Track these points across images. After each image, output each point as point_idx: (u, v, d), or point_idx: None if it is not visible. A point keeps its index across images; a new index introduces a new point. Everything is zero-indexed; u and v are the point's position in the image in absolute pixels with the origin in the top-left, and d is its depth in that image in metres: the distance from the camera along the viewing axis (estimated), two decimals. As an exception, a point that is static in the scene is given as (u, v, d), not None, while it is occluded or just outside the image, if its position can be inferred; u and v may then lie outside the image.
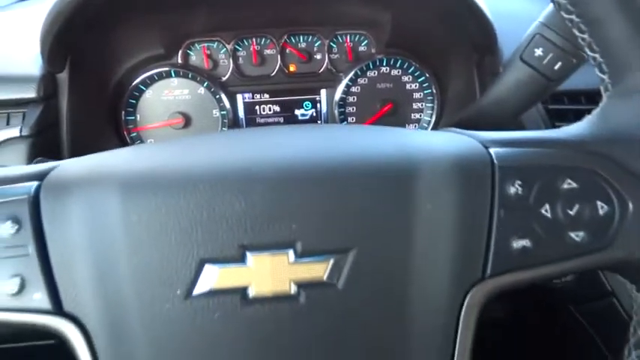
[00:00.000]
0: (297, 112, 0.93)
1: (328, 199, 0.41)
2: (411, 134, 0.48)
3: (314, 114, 0.93)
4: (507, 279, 0.41)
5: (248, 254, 0.40)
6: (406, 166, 0.42)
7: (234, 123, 0.92)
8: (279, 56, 0.90)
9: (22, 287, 0.40)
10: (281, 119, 0.93)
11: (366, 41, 0.91)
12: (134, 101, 0.89)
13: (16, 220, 0.40)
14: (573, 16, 0.46)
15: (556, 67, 0.61)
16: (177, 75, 0.89)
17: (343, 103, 0.92)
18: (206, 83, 0.90)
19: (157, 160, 0.43)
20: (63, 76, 0.78)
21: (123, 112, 0.88)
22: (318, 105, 0.93)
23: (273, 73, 0.91)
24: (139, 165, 0.43)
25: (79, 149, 0.79)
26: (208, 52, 0.90)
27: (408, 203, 0.41)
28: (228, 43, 0.89)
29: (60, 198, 0.41)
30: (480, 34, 0.79)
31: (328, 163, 0.42)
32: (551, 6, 0.61)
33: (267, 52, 0.91)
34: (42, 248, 0.40)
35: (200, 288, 0.40)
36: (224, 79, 0.90)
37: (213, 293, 0.40)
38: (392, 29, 0.88)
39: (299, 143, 0.45)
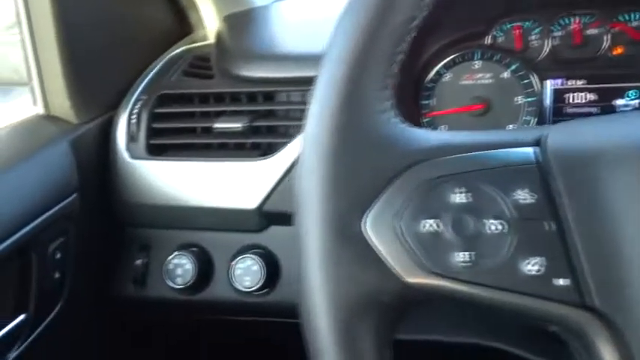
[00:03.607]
0: (617, 102, 0.79)
1: None
2: None
3: (638, 105, 0.79)
4: None
5: None
6: None
7: (539, 112, 0.81)
8: (606, 36, 0.77)
9: (543, 269, 0.36)
10: (595, 109, 0.81)
11: None
12: (432, 85, 0.82)
13: (532, 190, 0.37)
14: None
15: None
16: (481, 57, 0.80)
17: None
18: (514, 66, 0.80)
19: None
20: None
21: (421, 96, 0.82)
22: (647, 94, 0.78)
23: (594, 56, 0.78)
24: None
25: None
26: (520, 31, 0.79)
27: None
28: (545, 22, 0.78)
29: (576, 169, 0.37)
30: None
31: None
32: None
33: (590, 31, 0.78)
34: (560, 225, 0.36)
35: None
36: (536, 61, 0.79)
37: None
38: None
39: None
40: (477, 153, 0.38)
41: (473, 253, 0.36)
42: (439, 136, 0.41)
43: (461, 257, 0.36)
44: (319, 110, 0.40)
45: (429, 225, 0.37)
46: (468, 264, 0.36)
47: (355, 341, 0.38)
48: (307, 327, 0.39)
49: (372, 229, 0.38)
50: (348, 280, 0.38)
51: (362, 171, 0.39)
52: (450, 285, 0.37)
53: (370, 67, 0.39)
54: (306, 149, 0.41)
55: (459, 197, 0.37)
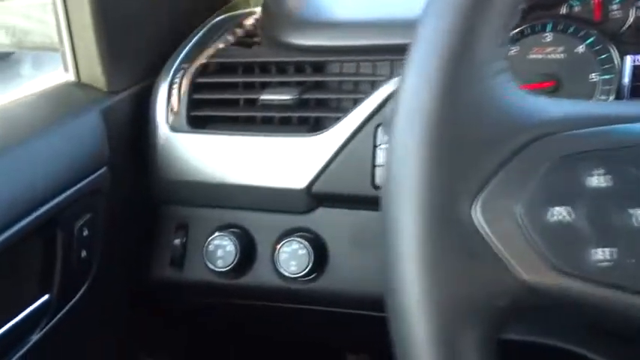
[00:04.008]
0: None
1: None
2: None
3: None
4: None
5: None
6: None
7: (616, 90, 0.74)
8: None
9: None
10: (678, 89, 0.73)
11: None
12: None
13: None
14: None
15: None
16: (554, 29, 0.73)
17: None
18: (591, 39, 0.72)
19: None
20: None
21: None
22: None
23: (683, 29, 0.71)
24: None
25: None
26: (601, 0, 0.72)
27: None
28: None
29: None
30: None
31: None
32: None
33: (679, 1, 0.70)
34: None
35: None
36: (616, 34, 0.72)
37: None
38: None
39: None
40: (615, 126, 0.32)
41: (614, 250, 0.30)
42: (561, 105, 0.35)
43: (599, 255, 0.30)
44: (419, 70, 0.34)
45: (558, 213, 0.31)
46: (609, 263, 0.30)
47: (458, 354, 0.32)
48: (397, 333, 0.33)
49: (485, 215, 0.32)
50: (453, 277, 0.32)
51: (472, 145, 0.32)
52: (583, 287, 0.30)
53: (489, 15, 0.32)
54: (400, 122, 0.34)
55: (596, 180, 0.31)
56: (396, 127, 0.34)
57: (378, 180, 0.67)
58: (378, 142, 0.67)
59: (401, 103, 0.35)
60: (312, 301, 0.74)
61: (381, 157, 0.66)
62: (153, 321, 0.88)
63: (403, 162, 0.33)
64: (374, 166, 0.67)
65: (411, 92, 0.34)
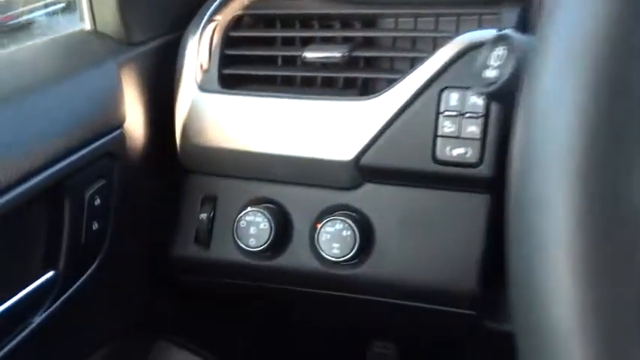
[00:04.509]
0: None
1: None
2: None
3: None
4: None
5: None
6: None
7: None
8: None
9: None
10: None
11: None
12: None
13: None
14: None
15: None
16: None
17: None
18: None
19: None
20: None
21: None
22: None
23: None
24: None
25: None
26: None
27: None
28: None
29: None
30: None
31: None
32: None
33: None
34: None
35: None
36: None
37: None
38: None
39: None
40: None
41: None
42: None
43: None
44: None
45: None
46: None
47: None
48: (537, 347, 0.24)
49: None
50: (625, 282, 0.22)
51: None
52: None
53: None
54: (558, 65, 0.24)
55: None
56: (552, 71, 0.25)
57: (439, 153, 0.58)
58: (442, 109, 0.57)
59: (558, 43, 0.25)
60: (353, 288, 0.66)
61: (445, 125, 0.57)
62: (173, 303, 0.80)
63: (549, 127, 0.24)
64: (436, 136, 0.58)
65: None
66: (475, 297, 0.61)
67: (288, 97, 0.64)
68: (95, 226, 0.58)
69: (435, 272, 0.62)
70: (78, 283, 0.58)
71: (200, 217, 0.67)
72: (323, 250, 0.62)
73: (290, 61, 0.67)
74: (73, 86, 0.58)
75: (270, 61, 0.67)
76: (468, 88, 0.56)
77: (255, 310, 0.89)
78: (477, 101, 0.56)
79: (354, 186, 0.64)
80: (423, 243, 0.62)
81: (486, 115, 0.56)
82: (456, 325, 0.68)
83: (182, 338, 0.79)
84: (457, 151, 0.57)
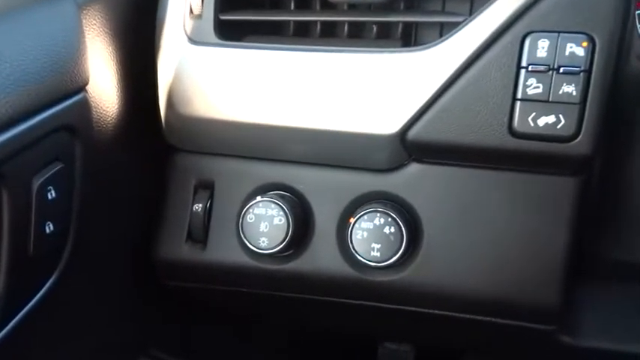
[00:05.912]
0: None
1: None
2: None
3: None
4: None
5: None
6: None
7: None
8: None
9: None
10: None
11: None
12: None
13: None
14: None
15: None
16: None
17: None
18: None
19: None
20: None
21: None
22: None
23: None
24: None
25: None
26: None
27: None
28: None
29: None
30: None
31: None
32: None
33: None
34: None
35: None
36: None
37: None
38: None
39: None
40: None
41: None
42: None
43: None
44: None
45: None
46: None
47: None
48: None
49: None
50: None
51: None
52: None
53: None
54: None
55: None
56: None
57: (518, 123, 0.44)
58: (524, 62, 0.43)
59: None
60: (394, 298, 0.52)
61: (530, 85, 0.43)
62: (159, 315, 0.67)
63: None
64: (515, 99, 0.44)
65: None
66: (555, 310, 0.49)
67: (306, 51, 0.50)
68: (50, 227, 0.45)
69: (502, 279, 0.51)
70: (29, 306, 0.44)
71: (193, 209, 0.55)
72: (358, 253, 0.49)
73: (306, 3, 0.53)
74: (15, 31, 0.44)
75: (281, 3, 0.54)
76: (563, 32, 0.42)
77: (257, 321, 0.76)
78: (575, 50, 0.42)
79: (395, 167, 0.51)
80: (485, 242, 0.50)
81: (588, 71, 0.42)
82: (527, 341, 0.55)
83: (169, 355, 0.66)
84: (545, 120, 0.44)
